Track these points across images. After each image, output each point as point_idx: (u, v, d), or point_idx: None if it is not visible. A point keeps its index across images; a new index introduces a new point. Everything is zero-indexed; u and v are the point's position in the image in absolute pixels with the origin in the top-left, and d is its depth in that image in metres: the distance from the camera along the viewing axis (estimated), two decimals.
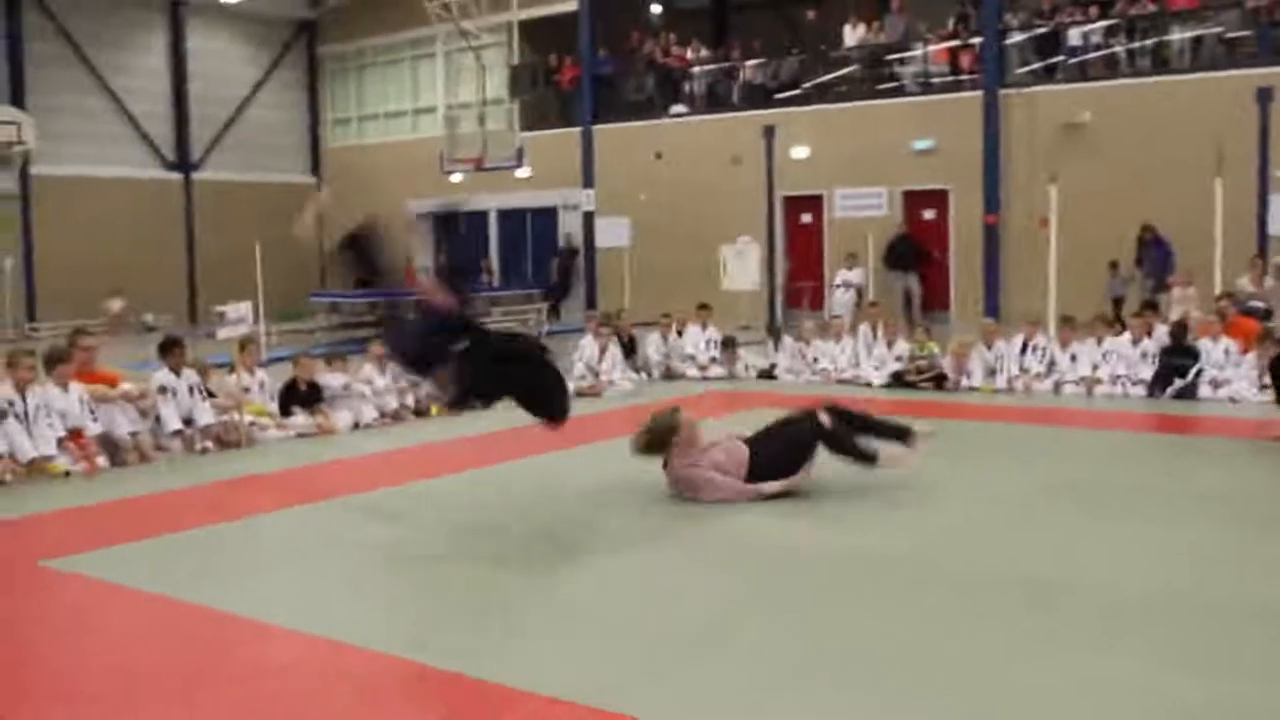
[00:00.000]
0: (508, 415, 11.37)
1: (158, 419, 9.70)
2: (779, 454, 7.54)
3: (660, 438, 7.58)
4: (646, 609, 5.26)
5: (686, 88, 25.90)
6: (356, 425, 11.00)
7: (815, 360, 14.01)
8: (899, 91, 22.87)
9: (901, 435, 7.77)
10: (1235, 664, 4.43)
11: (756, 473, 7.42)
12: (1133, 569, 5.76)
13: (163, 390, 9.79)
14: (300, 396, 10.92)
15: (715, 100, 25.31)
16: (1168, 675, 4.33)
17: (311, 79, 31.88)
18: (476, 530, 6.86)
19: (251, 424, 10.32)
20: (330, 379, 11.28)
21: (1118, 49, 21.13)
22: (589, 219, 25.41)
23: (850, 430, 7.68)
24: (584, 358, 13.21)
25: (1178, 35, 20.79)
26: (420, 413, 11.53)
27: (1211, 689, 4.19)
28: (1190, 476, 8.20)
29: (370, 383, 11.45)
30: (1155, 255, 17.74)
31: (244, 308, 10.77)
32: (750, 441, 7.62)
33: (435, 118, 28.39)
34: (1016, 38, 21.76)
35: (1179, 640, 4.71)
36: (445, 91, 28.89)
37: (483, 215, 28.30)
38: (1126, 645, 4.66)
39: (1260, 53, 19.85)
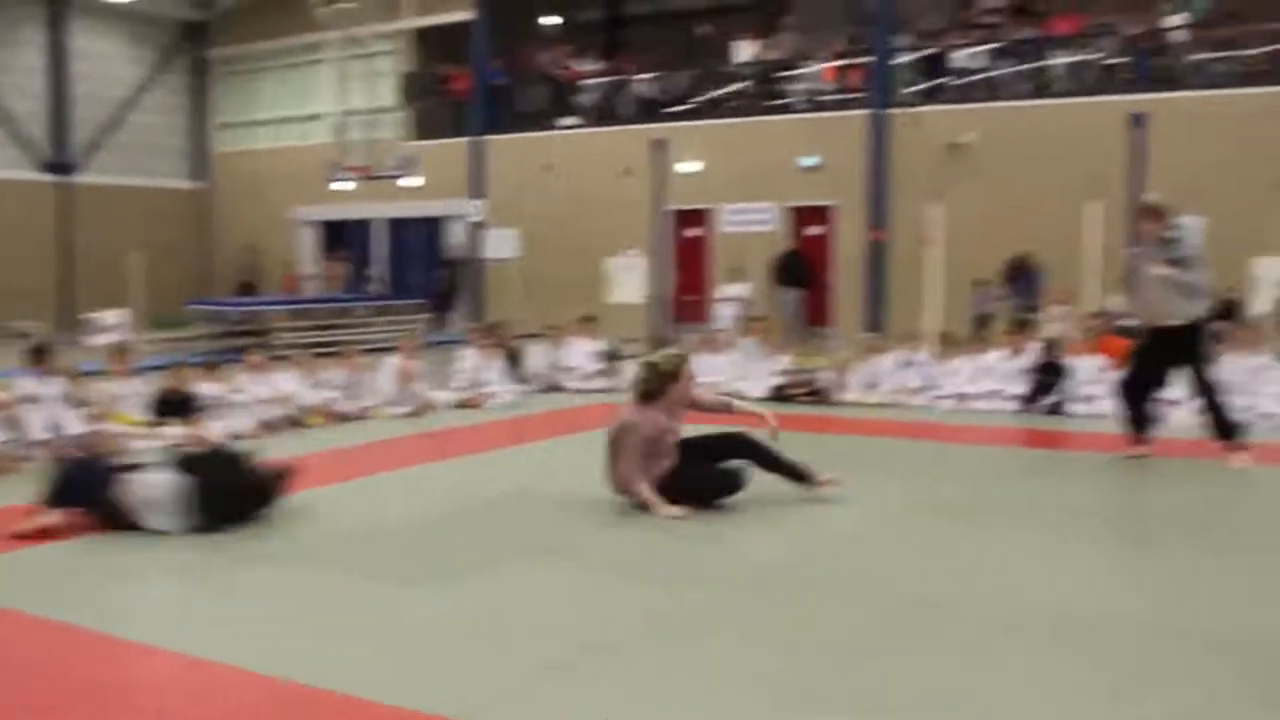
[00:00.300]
0: (385, 427, 11.35)
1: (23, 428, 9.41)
2: (706, 478, 7.50)
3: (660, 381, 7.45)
4: (529, 625, 5.18)
5: (578, 100, 25.93)
6: (232, 435, 10.76)
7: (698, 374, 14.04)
8: (788, 108, 23.13)
9: (803, 478, 7.77)
10: (1126, 674, 4.51)
11: (677, 485, 7.34)
12: (1012, 583, 5.84)
13: (28, 398, 9.51)
14: (175, 406, 10.67)
15: (607, 113, 25.37)
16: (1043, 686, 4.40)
17: (200, 82, 31.30)
18: (354, 542, 6.74)
19: (123, 434, 10.05)
20: (206, 388, 11.05)
21: (1001, 72, 21.61)
22: (477, 229, 25.29)
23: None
24: (466, 368, 13.10)
25: (1059, 60, 21.33)
26: (298, 424, 11.33)
27: (1107, 703, 4.26)
28: (1062, 491, 8.33)
29: (246, 392, 11.24)
30: (1024, 280, 18.10)
31: (118, 314, 10.51)
32: (683, 447, 7.54)
33: (326, 125, 28.05)
34: (904, 58, 22.13)
35: (1052, 653, 4.79)
36: (336, 99, 28.55)
37: (368, 224, 28.03)
38: (1004, 658, 4.72)
39: (1137, 79, 20.44)
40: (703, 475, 7.49)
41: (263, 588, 5.83)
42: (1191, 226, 9.46)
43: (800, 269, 21.33)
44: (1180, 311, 8.99)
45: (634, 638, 4.96)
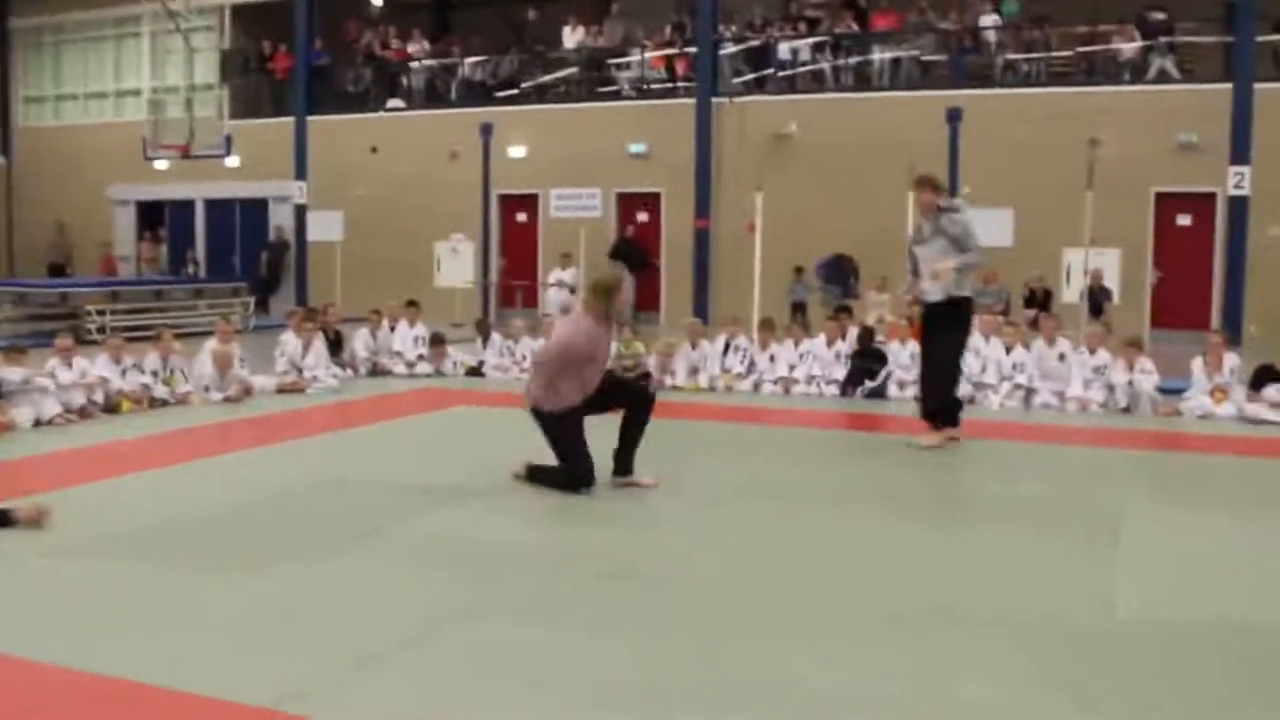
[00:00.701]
0: (202, 413, 11.05)
1: None
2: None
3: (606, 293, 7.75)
4: (341, 614, 5.08)
5: (405, 82, 25.58)
6: (39, 422, 10.33)
7: (523, 358, 14.04)
8: (616, 95, 23.21)
9: (628, 470, 7.84)
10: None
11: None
12: (834, 568, 5.98)
13: None
14: None
15: (434, 96, 25.10)
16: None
17: (2, 53, 29.88)
18: (162, 531, 6.53)
19: None
20: (10, 373, 10.56)
21: (824, 65, 22.05)
22: (301, 212, 24.77)
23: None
24: (287, 353, 12.83)
25: (879, 55, 21.87)
26: (111, 409, 10.93)
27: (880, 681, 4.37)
28: (880, 474, 8.54)
29: (54, 377, 10.80)
30: (838, 271, 18.49)
31: None
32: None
33: (140, 101, 27.06)
34: (730, 49, 22.41)
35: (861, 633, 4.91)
36: (151, 74, 27.63)
37: (189, 205, 27.19)
38: (827, 643, 4.83)
39: (952, 76, 21.09)
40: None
41: (62, 580, 5.59)
42: (964, 207, 9.74)
43: (634, 255, 21.52)
44: (949, 288, 9.31)
45: (449, 627, 4.90)
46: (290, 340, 12.92)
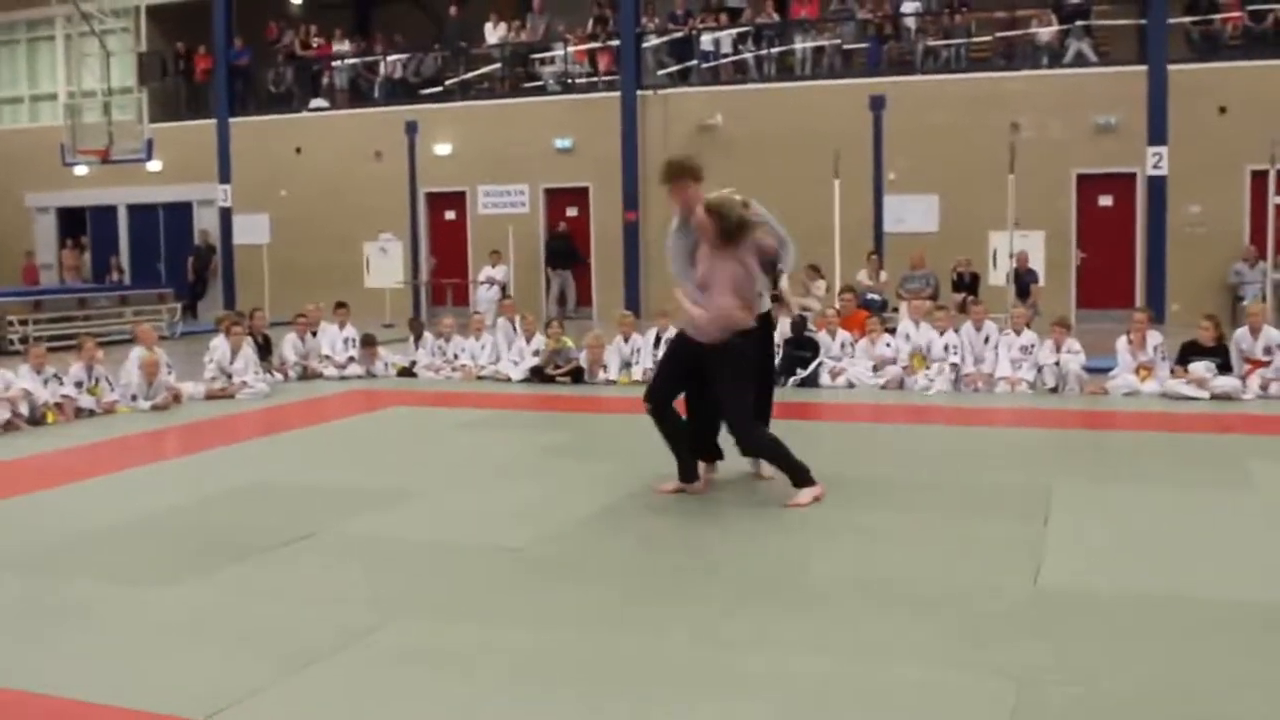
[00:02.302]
0: (129, 422, 10.87)
1: None
2: None
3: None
4: (263, 621, 5.02)
5: (328, 81, 25.35)
6: None
7: (455, 356, 13.98)
8: (541, 90, 23.17)
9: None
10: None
11: None
12: (764, 547, 6.01)
13: None
14: None
15: (358, 94, 24.92)
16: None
17: None
18: (94, 541, 6.42)
19: None
20: None
21: (747, 56, 22.13)
22: (226, 215, 24.48)
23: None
24: (215, 358, 12.67)
25: (800, 45, 22.00)
26: (36, 421, 10.74)
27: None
28: (809, 462, 8.56)
29: None
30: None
31: None
32: None
33: (56, 106, 26.57)
34: (653, 41, 22.43)
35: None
36: (66, 78, 27.10)
37: (111, 211, 26.77)
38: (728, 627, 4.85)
39: (873, 64, 21.27)
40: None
41: None
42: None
43: (570, 250, 21.59)
44: None
45: (375, 630, 4.85)
46: (218, 345, 12.76)
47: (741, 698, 4.06)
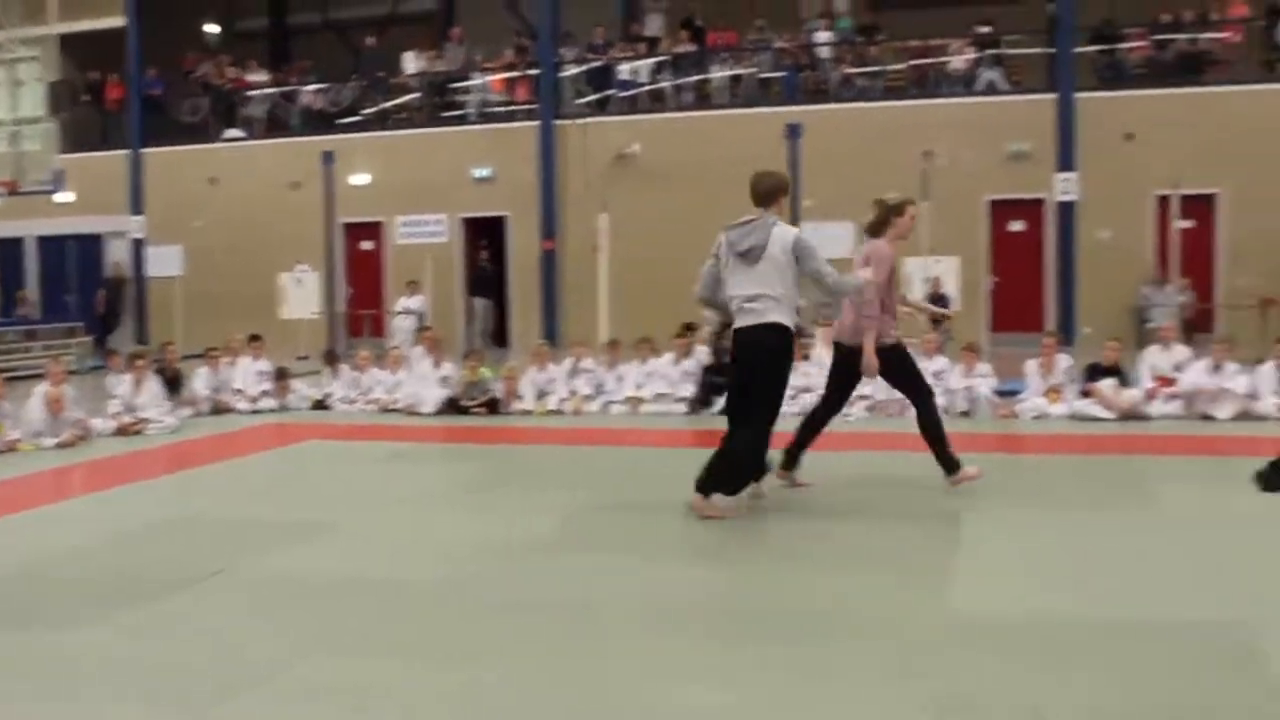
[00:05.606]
0: (33, 460, 10.61)
1: None
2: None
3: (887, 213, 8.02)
4: (187, 657, 4.91)
5: (244, 111, 25.11)
6: None
7: (370, 389, 13.84)
8: (459, 120, 23.12)
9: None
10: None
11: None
12: (673, 578, 6.00)
13: None
14: None
15: (274, 125, 24.70)
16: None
17: None
18: None
19: None
20: None
21: (665, 84, 22.26)
22: (138, 246, 24.11)
23: None
24: (119, 394, 12.42)
25: (718, 74, 22.16)
26: None
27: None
28: None
29: None
30: None
31: None
32: None
33: None
34: (571, 71, 22.48)
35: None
36: None
37: (18, 243, 26.24)
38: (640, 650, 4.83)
39: (789, 93, 21.49)
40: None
41: None
42: None
43: (492, 280, 21.56)
44: None
45: (285, 669, 4.75)
46: (126, 381, 12.52)
47: None
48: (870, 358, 7.78)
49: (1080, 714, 4.10)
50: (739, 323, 7.37)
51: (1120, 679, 4.43)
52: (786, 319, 7.22)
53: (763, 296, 7.17)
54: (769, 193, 7.58)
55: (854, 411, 12.21)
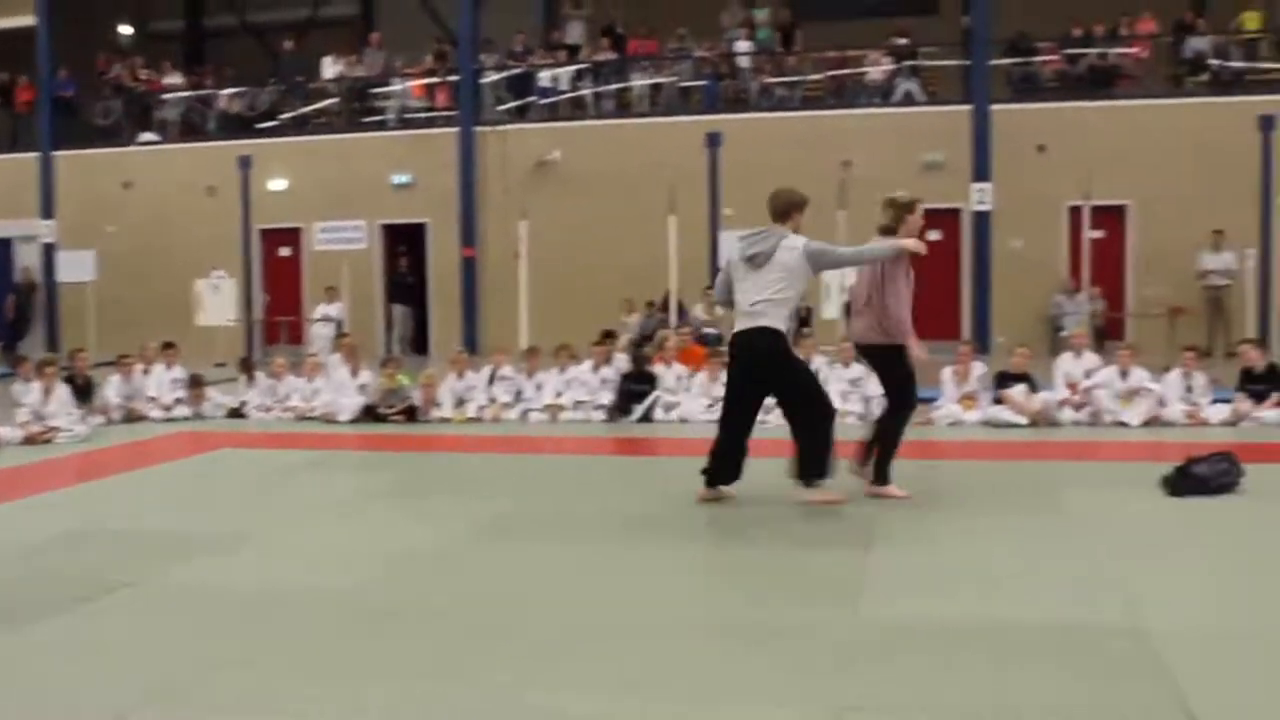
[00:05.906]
0: None
1: None
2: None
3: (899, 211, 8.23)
4: (92, 671, 4.83)
5: (158, 114, 24.74)
6: None
7: (287, 396, 13.70)
8: (379, 125, 22.97)
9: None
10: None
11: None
12: (591, 587, 6.00)
13: None
14: None
15: (190, 128, 24.35)
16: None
17: None
18: None
19: None
20: None
21: (585, 92, 22.29)
22: (49, 251, 23.65)
23: None
24: (26, 402, 12.17)
25: (638, 82, 22.23)
26: None
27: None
28: (642, 501, 8.59)
29: None
30: None
31: None
32: None
33: None
34: (491, 77, 22.43)
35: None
36: None
37: None
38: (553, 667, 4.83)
39: (709, 101, 21.62)
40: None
41: None
42: None
43: (411, 286, 21.42)
44: None
45: (193, 685, 4.67)
46: (33, 389, 12.28)
47: None
48: (915, 347, 7.96)
49: (959, 715, 4.17)
50: (738, 326, 7.84)
51: (1008, 681, 4.49)
52: (780, 323, 7.67)
53: (763, 301, 7.66)
54: (784, 208, 8.16)
55: (773, 417, 12.31)
